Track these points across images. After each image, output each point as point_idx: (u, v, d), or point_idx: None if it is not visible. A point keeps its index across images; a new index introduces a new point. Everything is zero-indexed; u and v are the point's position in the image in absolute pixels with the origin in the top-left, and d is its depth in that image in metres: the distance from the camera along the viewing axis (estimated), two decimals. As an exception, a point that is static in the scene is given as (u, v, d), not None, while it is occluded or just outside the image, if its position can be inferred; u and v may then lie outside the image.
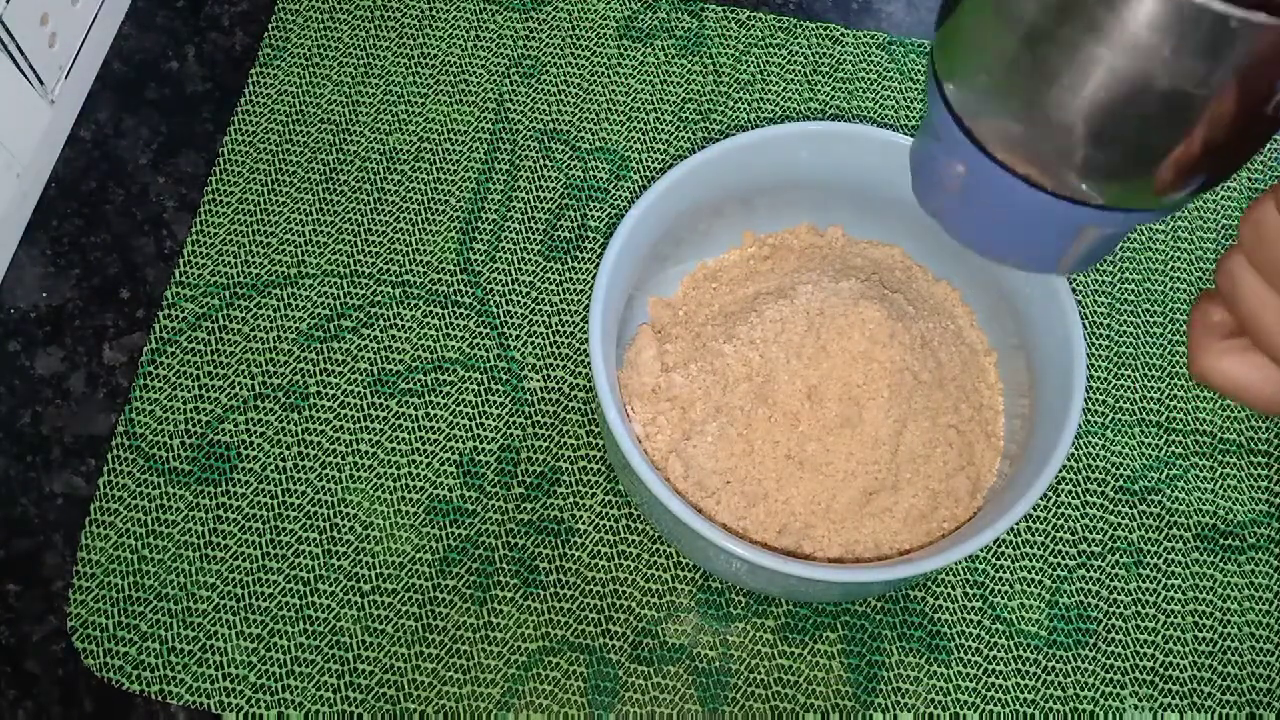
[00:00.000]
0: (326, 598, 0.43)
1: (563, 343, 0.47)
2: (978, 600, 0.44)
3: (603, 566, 0.43)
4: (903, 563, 0.38)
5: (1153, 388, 0.47)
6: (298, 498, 0.44)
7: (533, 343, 0.47)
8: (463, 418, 0.45)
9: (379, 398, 0.46)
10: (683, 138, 0.51)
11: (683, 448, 0.40)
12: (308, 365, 0.46)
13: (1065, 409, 0.38)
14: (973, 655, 0.43)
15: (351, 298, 0.47)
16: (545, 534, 0.44)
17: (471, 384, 0.46)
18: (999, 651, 0.43)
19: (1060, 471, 0.46)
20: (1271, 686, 0.43)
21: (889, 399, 0.39)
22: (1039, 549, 0.45)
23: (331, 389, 0.46)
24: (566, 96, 0.51)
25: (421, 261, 0.48)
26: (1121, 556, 0.45)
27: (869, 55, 0.53)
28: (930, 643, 0.43)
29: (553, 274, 0.48)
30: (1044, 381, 0.40)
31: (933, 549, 0.39)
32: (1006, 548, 0.45)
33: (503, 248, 0.48)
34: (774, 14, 0.53)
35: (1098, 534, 0.45)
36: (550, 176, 0.50)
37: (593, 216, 0.49)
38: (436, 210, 0.49)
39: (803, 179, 0.43)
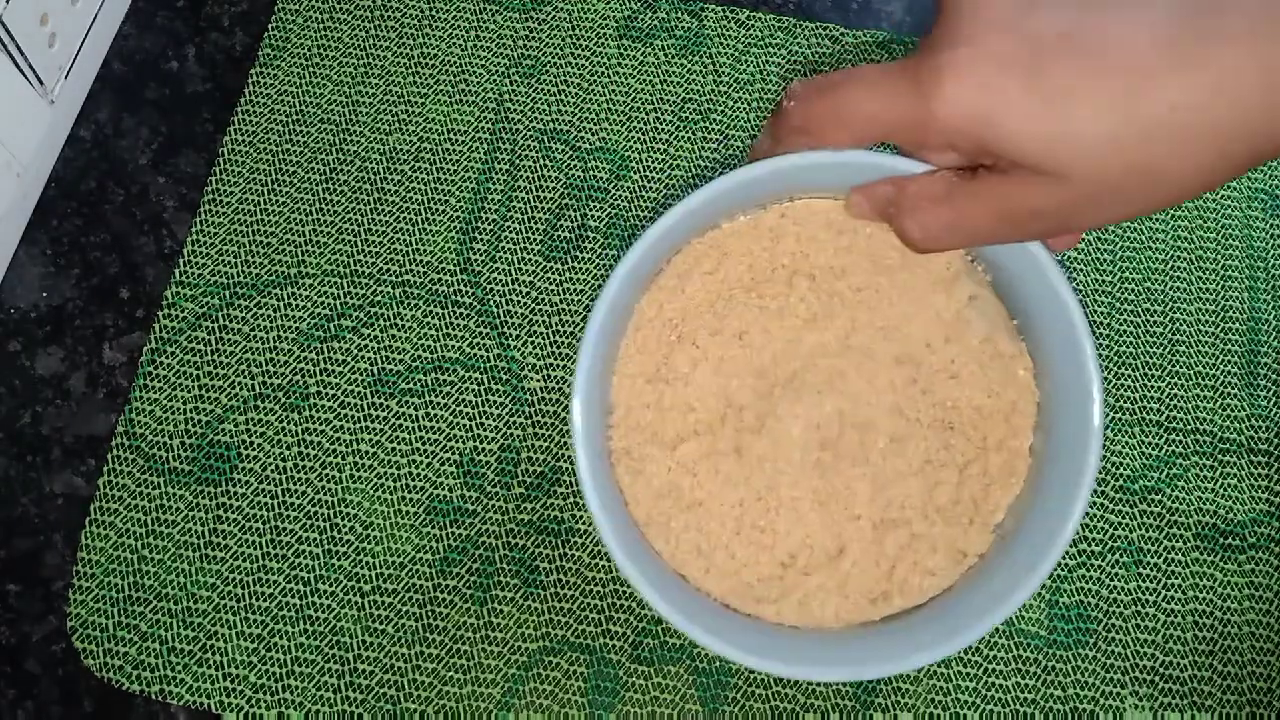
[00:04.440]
0: (326, 598, 0.43)
1: (563, 343, 0.47)
2: (978, 600, 0.44)
3: (603, 566, 0.43)
4: (913, 650, 0.35)
5: (1153, 388, 0.47)
6: (298, 498, 0.44)
7: (533, 343, 0.47)
8: (463, 418, 0.45)
9: (379, 398, 0.46)
10: (683, 138, 0.51)
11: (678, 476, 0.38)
12: (308, 365, 0.46)
13: (1080, 468, 0.36)
14: (973, 655, 0.43)
15: (351, 298, 0.47)
16: (545, 534, 0.44)
17: (471, 384, 0.46)
18: (999, 651, 0.43)
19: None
20: (1271, 686, 0.43)
21: (894, 430, 0.38)
22: (1039, 549, 0.45)
23: (331, 389, 0.46)
24: (566, 96, 0.51)
25: (421, 261, 0.48)
26: (1121, 556, 0.45)
27: (869, 55, 0.53)
28: (930, 643, 0.43)
29: (553, 274, 0.48)
30: (1060, 411, 0.38)
31: (944, 599, 0.37)
32: (1006, 548, 0.45)
33: (503, 248, 0.48)
34: (774, 14, 0.53)
35: (1098, 534, 0.45)
36: (550, 176, 0.50)
37: (593, 216, 0.49)
38: (436, 210, 0.49)
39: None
